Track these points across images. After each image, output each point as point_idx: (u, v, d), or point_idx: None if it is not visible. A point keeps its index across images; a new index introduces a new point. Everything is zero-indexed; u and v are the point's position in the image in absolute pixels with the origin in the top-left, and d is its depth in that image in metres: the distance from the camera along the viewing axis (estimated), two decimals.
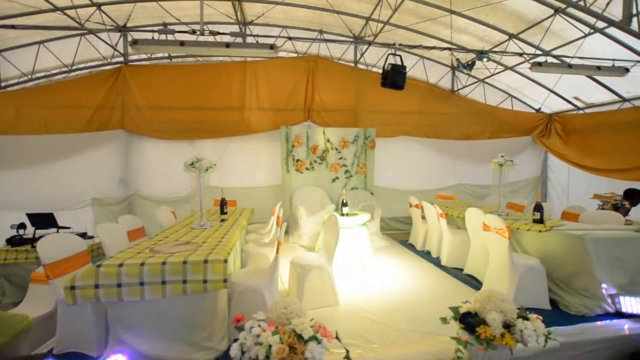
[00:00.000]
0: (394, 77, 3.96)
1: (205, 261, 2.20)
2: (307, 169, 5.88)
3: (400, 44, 4.00)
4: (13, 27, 3.49)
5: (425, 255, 4.86)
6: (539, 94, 6.55)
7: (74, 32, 5.12)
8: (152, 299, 2.15)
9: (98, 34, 5.26)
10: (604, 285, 2.92)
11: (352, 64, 6.52)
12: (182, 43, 3.08)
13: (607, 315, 2.92)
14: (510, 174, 6.99)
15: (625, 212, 4.36)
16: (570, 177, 6.58)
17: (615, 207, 4.43)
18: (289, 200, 5.81)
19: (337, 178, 6.01)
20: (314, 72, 6.24)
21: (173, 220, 4.09)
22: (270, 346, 1.71)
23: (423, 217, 5.17)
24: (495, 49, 5.58)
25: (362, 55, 6.30)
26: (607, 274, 2.96)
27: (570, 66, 4.10)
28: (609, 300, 2.95)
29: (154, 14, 5.38)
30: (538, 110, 7.03)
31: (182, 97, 5.82)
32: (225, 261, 2.22)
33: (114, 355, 2.02)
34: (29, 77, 5.33)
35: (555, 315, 2.96)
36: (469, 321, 2.09)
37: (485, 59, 4.49)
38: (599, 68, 4.07)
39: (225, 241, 2.72)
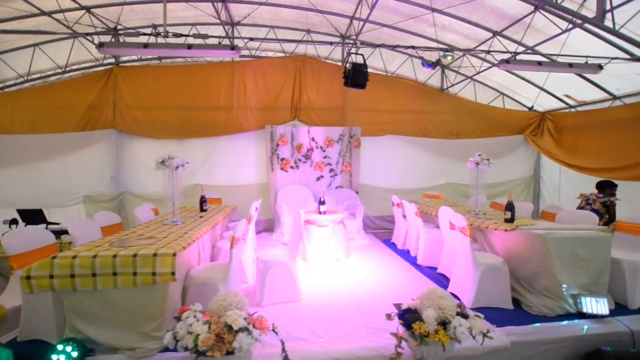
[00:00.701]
0: (355, 76, 3.98)
1: (155, 254, 2.29)
2: (291, 167, 5.95)
3: (362, 43, 4.00)
4: None
5: (404, 254, 4.87)
6: (530, 92, 6.43)
7: (66, 35, 5.31)
8: (104, 289, 2.26)
9: (91, 37, 5.45)
10: (564, 285, 2.89)
11: (340, 63, 6.55)
12: (145, 45, 3.20)
13: (569, 316, 2.88)
14: (503, 172, 6.96)
15: (614, 208, 4.23)
16: (562, 176, 6.44)
17: (606, 206, 4.31)
18: (274, 198, 5.90)
19: (322, 177, 6.06)
20: (301, 72, 6.30)
21: (152, 217, 4.22)
22: (198, 335, 1.79)
23: (405, 216, 5.18)
24: (480, 47, 5.53)
25: (348, 54, 6.32)
26: (569, 274, 2.94)
27: (540, 63, 4.02)
28: (571, 301, 2.92)
29: (143, 16, 5.53)
30: (530, 109, 6.90)
31: (171, 97, 5.97)
32: (174, 255, 2.32)
33: (63, 343, 2.14)
34: (25, 78, 5.57)
35: (516, 315, 2.94)
36: (406, 317, 2.12)
37: (449, 57, 4.44)
38: (570, 65, 3.98)
39: (187, 237, 2.82)
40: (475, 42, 5.62)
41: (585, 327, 2.72)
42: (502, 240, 3.39)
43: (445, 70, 6.76)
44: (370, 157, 6.62)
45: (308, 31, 6.14)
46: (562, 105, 6.37)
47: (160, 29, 3.74)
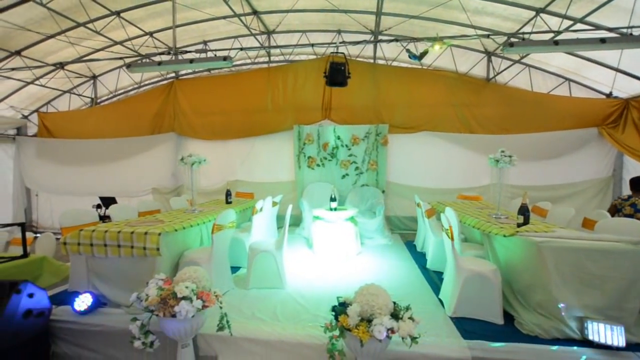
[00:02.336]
0: (333, 75, 3.91)
1: (146, 233, 2.82)
2: (317, 165, 6.16)
3: (342, 42, 3.92)
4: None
5: (419, 256, 4.62)
6: (605, 75, 5.29)
7: (137, 57, 6.58)
8: (112, 257, 2.89)
9: (154, 57, 6.63)
10: (561, 305, 2.44)
11: (372, 60, 6.47)
12: (159, 63, 3.85)
13: (570, 342, 2.42)
14: (569, 173, 5.88)
15: None
16: None
17: None
18: (301, 194, 6.20)
19: (347, 174, 6.10)
20: None
21: (184, 206, 4.95)
22: (149, 296, 2.20)
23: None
24: (523, 29, 4.83)
25: (375, 50, 6.20)
26: (574, 291, 2.47)
27: (556, 43, 3.30)
28: (574, 324, 2.45)
29: (195, 35, 6.47)
30: (609, 96, 5.65)
31: (218, 103, 6.80)
32: (159, 234, 2.81)
33: (83, 294, 2.83)
34: (114, 93, 7.10)
35: (503, 331, 2.59)
36: (335, 309, 2.16)
37: (439, 46, 3.98)
38: (602, 41, 3.16)
39: (187, 222, 3.33)
40: (518, 24, 4.93)
41: (584, 357, 2.27)
42: (503, 247, 3.01)
43: (492, 58, 6.05)
44: (403, 155, 6.36)
45: (339, 31, 6.25)
46: None
47: (228, 42, 4.35)
